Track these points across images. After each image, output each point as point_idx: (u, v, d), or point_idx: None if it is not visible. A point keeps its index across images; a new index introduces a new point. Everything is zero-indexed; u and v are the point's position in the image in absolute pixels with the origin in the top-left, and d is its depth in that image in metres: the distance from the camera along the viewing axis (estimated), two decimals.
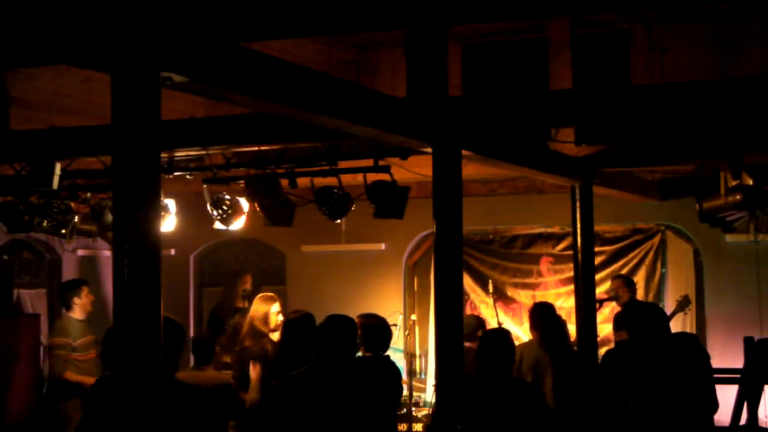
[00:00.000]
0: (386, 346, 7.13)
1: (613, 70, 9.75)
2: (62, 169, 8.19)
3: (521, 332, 11.23)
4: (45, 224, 9.25)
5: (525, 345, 8.64)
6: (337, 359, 6.28)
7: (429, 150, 6.63)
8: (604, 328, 10.87)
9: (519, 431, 6.30)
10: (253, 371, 7.93)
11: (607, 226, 11.38)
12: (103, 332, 5.57)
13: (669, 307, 10.88)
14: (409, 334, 10.99)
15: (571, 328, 10.09)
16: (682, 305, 10.32)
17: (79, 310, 9.59)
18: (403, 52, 6.95)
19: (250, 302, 10.98)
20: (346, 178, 8.53)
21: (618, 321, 8.71)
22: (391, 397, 6.92)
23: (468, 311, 11.59)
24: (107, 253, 12.46)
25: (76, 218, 9.37)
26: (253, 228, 9.65)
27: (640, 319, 6.62)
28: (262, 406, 7.72)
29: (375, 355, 7.03)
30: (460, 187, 6.66)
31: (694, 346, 7.12)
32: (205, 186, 8.81)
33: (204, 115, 8.77)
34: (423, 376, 11.78)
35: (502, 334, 6.87)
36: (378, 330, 7.15)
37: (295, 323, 7.80)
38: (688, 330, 10.95)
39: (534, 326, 8.57)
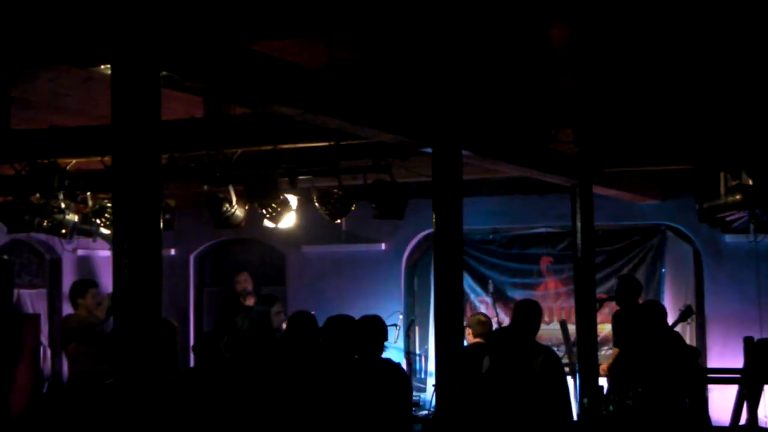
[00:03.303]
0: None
1: None
2: (62, 169, 8.19)
3: None
4: (45, 224, 9.24)
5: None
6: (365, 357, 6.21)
7: (429, 150, 6.63)
8: (604, 328, 10.85)
9: None
10: None
11: (607, 226, 11.37)
12: None
13: (669, 308, 10.84)
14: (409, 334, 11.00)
15: (571, 328, 10.12)
16: (684, 315, 10.17)
17: (83, 310, 9.64)
18: (403, 51, 6.94)
19: (255, 300, 10.98)
20: (346, 178, 8.53)
21: (617, 322, 8.57)
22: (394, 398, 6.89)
23: (468, 312, 11.58)
24: (107, 253, 12.45)
25: (76, 218, 9.38)
26: (253, 228, 9.64)
27: None
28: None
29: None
30: (460, 187, 6.65)
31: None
32: None
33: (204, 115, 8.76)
34: (423, 376, 11.77)
35: None
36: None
37: (299, 320, 7.79)
38: (688, 331, 10.93)
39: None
